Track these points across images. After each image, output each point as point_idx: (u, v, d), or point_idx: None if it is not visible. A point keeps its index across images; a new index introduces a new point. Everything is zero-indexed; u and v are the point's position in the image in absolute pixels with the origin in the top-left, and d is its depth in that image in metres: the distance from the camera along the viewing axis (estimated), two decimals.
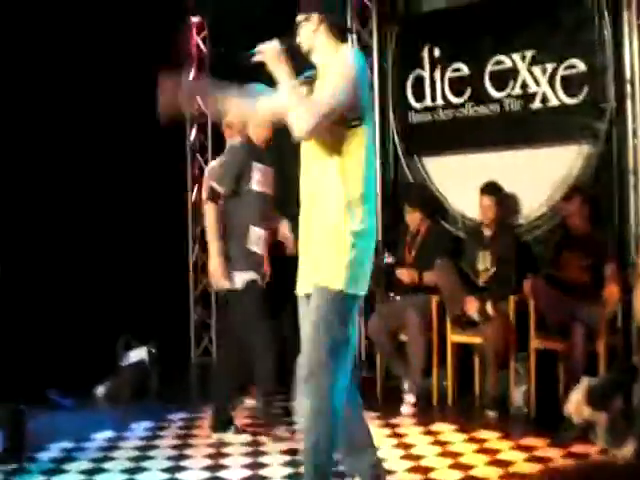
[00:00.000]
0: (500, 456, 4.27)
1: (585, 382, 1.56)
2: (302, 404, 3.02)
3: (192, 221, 7.15)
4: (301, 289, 3.19)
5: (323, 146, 3.03)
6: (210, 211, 4.49)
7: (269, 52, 2.98)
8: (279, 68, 2.98)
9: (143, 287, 6.26)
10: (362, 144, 3.03)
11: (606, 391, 1.54)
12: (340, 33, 3.17)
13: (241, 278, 4.49)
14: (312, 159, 3.10)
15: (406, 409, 5.22)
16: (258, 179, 4.51)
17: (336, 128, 2.97)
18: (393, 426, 4.91)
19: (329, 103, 2.90)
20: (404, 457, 4.28)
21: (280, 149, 4.36)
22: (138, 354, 5.88)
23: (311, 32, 3.10)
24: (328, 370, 2.96)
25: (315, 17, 3.08)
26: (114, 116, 6.13)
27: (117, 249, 6.25)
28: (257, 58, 2.99)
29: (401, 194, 6.15)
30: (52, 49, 5.76)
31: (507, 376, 5.21)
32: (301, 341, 3.11)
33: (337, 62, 3.02)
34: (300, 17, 3.11)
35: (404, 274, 5.65)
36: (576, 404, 1.55)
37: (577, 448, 4.20)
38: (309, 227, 3.13)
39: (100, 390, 5.71)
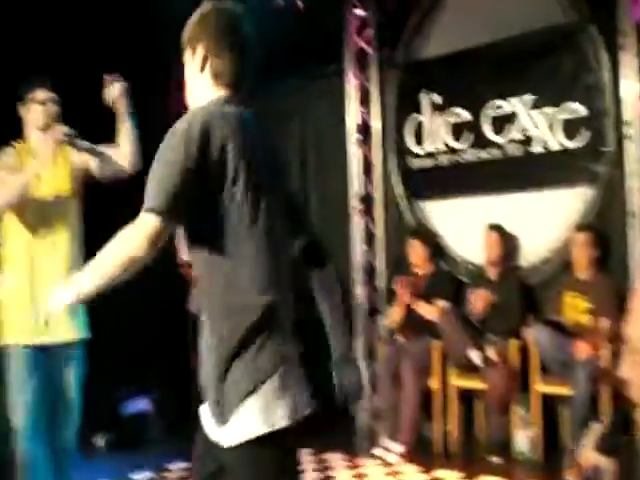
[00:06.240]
0: None
1: (595, 428, 1.55)
2: None
3: None
4: None
5: None
6: None
7: None
8: None
9: (143, 335, 6.15)
10: None
11: (615, 437, 1.53)
12: None
13: None
14: None
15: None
16: None
17: None
18: (395, 473, 4.86)
19: None
20: None
21: None
22: (139, 404, 5.84)
23: None
24: None
25: None
26: None
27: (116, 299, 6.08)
28: None
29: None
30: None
31: (509, 420, 5.15)
32: None
33: None
34: None
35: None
36: (585, 451, 1.54)
37: None
38: None
39: (100, 439, 5.67)
